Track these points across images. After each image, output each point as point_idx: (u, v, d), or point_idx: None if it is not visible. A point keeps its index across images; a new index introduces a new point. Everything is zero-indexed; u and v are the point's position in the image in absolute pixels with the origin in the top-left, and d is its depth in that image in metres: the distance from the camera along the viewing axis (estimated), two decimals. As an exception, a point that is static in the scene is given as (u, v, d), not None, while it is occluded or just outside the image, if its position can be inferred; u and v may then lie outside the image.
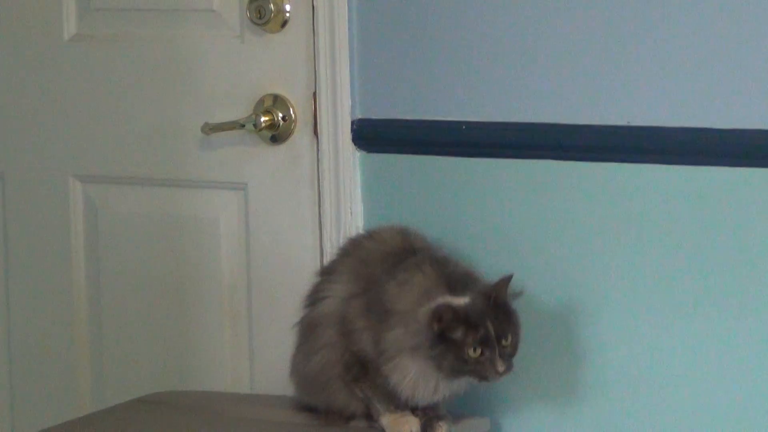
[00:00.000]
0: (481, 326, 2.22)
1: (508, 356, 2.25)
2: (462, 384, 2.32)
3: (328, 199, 2.72)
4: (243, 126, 2.70)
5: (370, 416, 2.41)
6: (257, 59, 2.74)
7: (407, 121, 2.60)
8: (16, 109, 3.04)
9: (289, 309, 2.58)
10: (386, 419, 2.35)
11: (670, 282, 2.47)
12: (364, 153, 2.63)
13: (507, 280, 2.28)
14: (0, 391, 3.12)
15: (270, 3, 2.65)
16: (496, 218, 2.60)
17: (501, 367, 2.23)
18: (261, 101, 2.71)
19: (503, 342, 2.22)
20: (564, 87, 2.52)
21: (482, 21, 2.57)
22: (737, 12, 2.42)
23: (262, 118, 2.68)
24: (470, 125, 2.60)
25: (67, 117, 2.96)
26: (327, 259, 2.68)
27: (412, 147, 2.62)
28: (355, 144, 2.62)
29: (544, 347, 2.62)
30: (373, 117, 2.64)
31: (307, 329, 2.45)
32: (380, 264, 2.40)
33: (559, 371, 2.63)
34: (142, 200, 2.92)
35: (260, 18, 2.67)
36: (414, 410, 2.38)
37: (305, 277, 2.62)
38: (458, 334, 2.24)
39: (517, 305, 2.37)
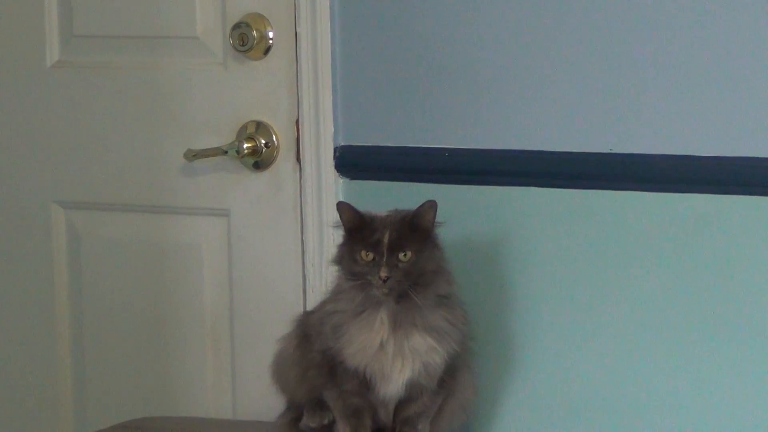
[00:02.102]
0: (377, 232, 2.29)
1: (405, 273, 2.28)
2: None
3: (311, 225, 2.71)
4: (226, 152, 2.70)
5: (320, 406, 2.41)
6: (240, 86, 2.73)
7: (390, 148, 2.61)
8: None
9: (272, 335, 2.57)
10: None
11: (648, 305, 2.48)
12: (347, 180, 2.64)
13: (429, 204, 2.33)
14: None
15: (253, 30, 2.64)
16: (480, 243, 2.60)
17: (384, 273, 2.26)
18: (244, 128, 2.70)
19: (400, 255, 2.27)
20: (546, 114, 2.54)
21: (464, 49, 2.59)
22: (717, 42, 2.45)
23: (245, 145, 2.68)
24: (453, 152, 2.61)
25: (49, 143, 2.95)
26: (309, 285, 2.69)
27: (395, 174, 2.63)
28: (338, 171, 2.63)
29: (515, 363, 2.58)
30: (356, 144, 2.63)
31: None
32: None
33: (534, 391, 2.57)
34: (125, 226, 2.90)
35: (243, 45, 2.66)
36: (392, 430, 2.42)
37: (288, 304, 2.67)
38: (357, 235, 2.32)
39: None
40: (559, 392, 2.63)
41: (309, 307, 2.65)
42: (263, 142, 2.70)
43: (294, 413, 2.48)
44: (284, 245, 2.72)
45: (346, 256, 2.33)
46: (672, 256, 2.50)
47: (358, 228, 2.34)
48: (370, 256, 2.29)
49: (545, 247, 2.59)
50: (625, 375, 2.58)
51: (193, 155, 2.69)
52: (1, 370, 3.09)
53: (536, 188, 2.56)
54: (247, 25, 2.64)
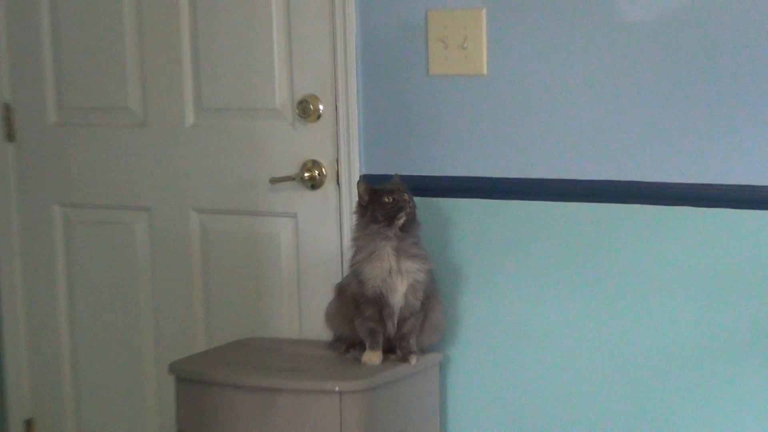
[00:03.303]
0: (390, 189, 2.83)
1: (411, 205, 2.79)
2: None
3: (345, 223, 3.16)
4: (294, 179, 3.17)
5: (362, 346, 2.95)
6: (302, 139, 3.18)
7: (393, 175, 3.04)
8: (156, 162, 3.41)
9: (321, 289, 3.15)
10: (364, 355, 2.90)
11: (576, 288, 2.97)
12: (368, 197, 2.93)
13: (397, 177, 2.85)
14: (146, 322, 3.50)
15: (310, 104, 3.15)
16: (471, 253, 3.06)
17: (407, 197, 2.79)
18: (305, 164, 3.18)
19: (405, 197, 2.81)
20: (507, 148, 2.99)
21: (450, 108, 3.06)
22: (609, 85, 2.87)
23: (306, 174, 3.17)
24: (441, 178, 3.07)
25: (189, 176, 3.37)
26: (345, 260, 3.10)
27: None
28: (362, 191, 2.91)
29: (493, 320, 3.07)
30: (373, 173, 3.11)
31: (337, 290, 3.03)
32: None
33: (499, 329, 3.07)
34: (237, 224, 3.35)
35: (304, 114, 3.16)
36: (393, 350, 2.92)
37: (331, 271, 3.16)
38: (375, 196, 2.80)
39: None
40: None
41: (344, 274, 3.11)
42: (316, 172, 3.18)
43: (342, 344, 3.02)
44: (329, 235, 3.19)
45: (376, 209, 2.76)
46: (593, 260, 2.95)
47: (374, 191, 2.82)
48: (391, 198, 2.81)
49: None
50: (565, 326, 3.01)
51: (275, 180, 3.19)
52: (155, 300, 3.48)
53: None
54: (307, 102, 3.15)
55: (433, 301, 2.92)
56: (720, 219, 2.78)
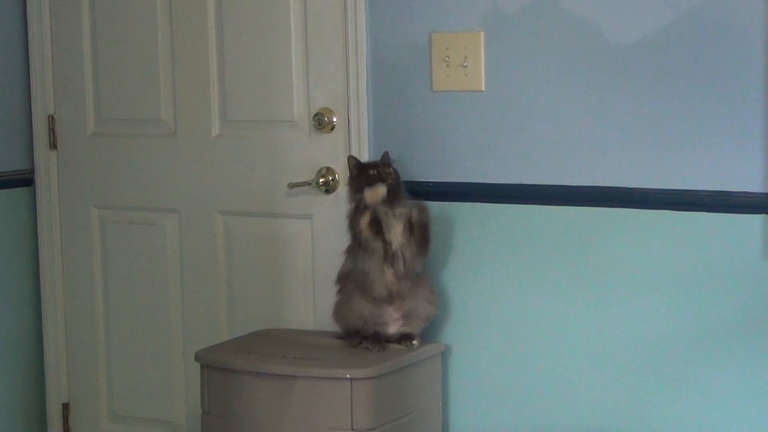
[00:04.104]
0: (373, 164, 3.02)
1: (394, 177, 2.96)
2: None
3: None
4: (310, 184, 3.31)
5: (376, 338, 3.05)
6: (318, 148, 3.30)
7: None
8: (185, 168, 3.49)
9: (332, 281, 3.24)
10: (365, 192, 2.99)
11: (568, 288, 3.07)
12: (375, 200, 3.01)
13: (386, 154, 3.04)
14: (175, 314, 3.56)
15: (325, 117, 3.28)
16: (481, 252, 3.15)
17: (389, 170, 2.98)
18: (320, 170, 3.31)
19: (388, 170, 2.99)
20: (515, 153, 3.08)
21: (452, 121, 3.17)
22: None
23: (321, 180, 3.30)
24: (444, 184, 3.18)
25: (218, 179, 3.47)
26: None
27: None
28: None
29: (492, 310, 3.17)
30: None
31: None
32: None
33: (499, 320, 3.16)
34: (258, 225, 3.46)
35: (320, 125, 3.30)
36: (398, 341, 3.05)
37: (338, 258, 3.20)
38: (364, 169, 2.99)
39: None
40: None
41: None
42: (330, 178, 3.31)
43: (355, 338, 3.11)
44: (342, 235, 3.25)
45: (363, 179, 2.97)
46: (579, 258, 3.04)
47: (362, 165, 3.02)
48: (375, 170, 3.01)
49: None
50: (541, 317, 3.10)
51: (293, 185, 3.31)
52: (182, 294, 3.56)
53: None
54: (322, 114, 3.27)
55: (424, 280, 3.09)
56: (697, 222, 2.92)
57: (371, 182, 2.97)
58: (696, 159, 2.88)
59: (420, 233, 3.00)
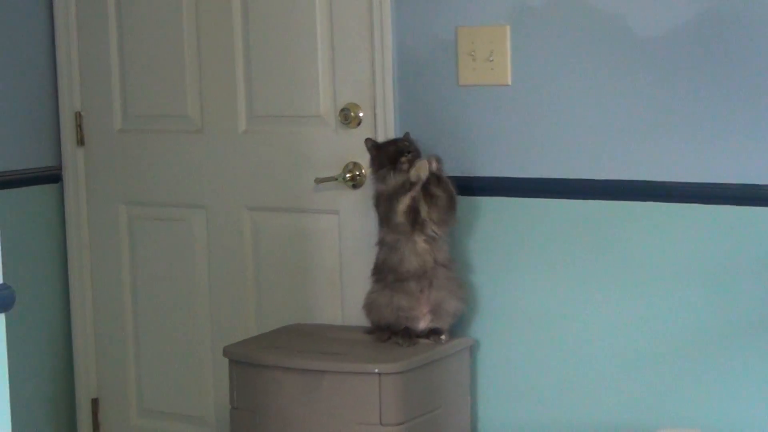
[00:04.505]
0: (391, 142, 3.04)
1: (414, 150, 3.00)
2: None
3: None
4: (337, 179, 3.33)
5: (406, 333, 3.06)
6: (344, 143, 3.33)
7: None
8: (212, 164, 3.52)
9: (359, 276, 3.29)
10: (412, 170, 2.99)
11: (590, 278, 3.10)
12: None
13: (407, 134, 3.07)
14: (203, 310, 3.57)
15: (351, 112, 3.31)
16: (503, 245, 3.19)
17: (412, 148, 3.02)
18: (347, 165, 3.34)
19: (408, 145, 3.03)
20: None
21: (478, 115, 3.19)
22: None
23: (347, 175, 3.33)
24: (470, 178, 3.19)
25: (237, 169, 3.49)
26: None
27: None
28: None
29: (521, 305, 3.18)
30: None
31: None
32: None
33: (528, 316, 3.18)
34: (285, 220, 3.48)
35: (346, 120, 3.32)
36: (426, 335, 3.06)
37: (369, 258, 3.23)
38: (381, 149, 3.02)
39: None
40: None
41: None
42: (357, 173, 3.34)
43: (384, 333, 3.12)
44: (369, 230, 3.31)
45: (376, 160, 3.01)
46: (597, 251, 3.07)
47: (378, 144, 3.05)
48: (395, 146, 3.02)
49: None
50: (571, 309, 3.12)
51: (319, 181, 3.34)
52: (210, 289, 3.57)
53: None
54: (348, 109, 3.30)
55: (451, 272, 3.11)
56: (724, 215, 2.92)
57: (391, 156, 3.01)
58: (725, 152, 2.89)
59: (441, 188, 3.04)
